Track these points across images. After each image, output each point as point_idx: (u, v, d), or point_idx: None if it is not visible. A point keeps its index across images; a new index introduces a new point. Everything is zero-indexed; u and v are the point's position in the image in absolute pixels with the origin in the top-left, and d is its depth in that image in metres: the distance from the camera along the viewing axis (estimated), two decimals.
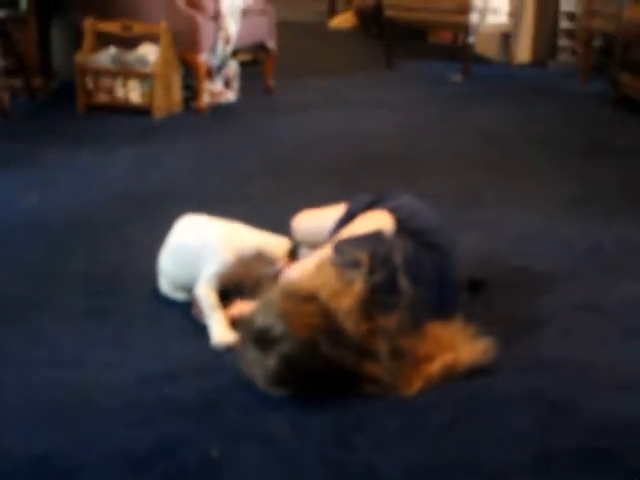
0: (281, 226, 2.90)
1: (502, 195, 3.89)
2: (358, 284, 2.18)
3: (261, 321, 2.17)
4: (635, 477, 1.84)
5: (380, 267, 2.23)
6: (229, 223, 2.80)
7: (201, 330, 2.54)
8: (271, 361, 2.12)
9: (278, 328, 2.12)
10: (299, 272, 2.45)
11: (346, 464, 1.91)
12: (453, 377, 2.21)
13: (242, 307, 2.60)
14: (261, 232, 2.79)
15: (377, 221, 2.49)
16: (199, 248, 2.69)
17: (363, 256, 2.24)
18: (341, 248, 2.35)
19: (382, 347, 2.16)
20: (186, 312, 2.66)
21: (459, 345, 2.26)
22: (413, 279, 2.27)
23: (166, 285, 2.80)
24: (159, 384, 2.25)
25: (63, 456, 1.94)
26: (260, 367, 2.15)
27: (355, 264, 2.24)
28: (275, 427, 2.05)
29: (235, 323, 2.51)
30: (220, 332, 2.50)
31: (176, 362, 2.38)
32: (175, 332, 2.58)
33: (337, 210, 2.73)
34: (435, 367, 2.20)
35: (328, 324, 2.12)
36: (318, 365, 2.11)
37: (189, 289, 2.70)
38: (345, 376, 2.13)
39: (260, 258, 2.69)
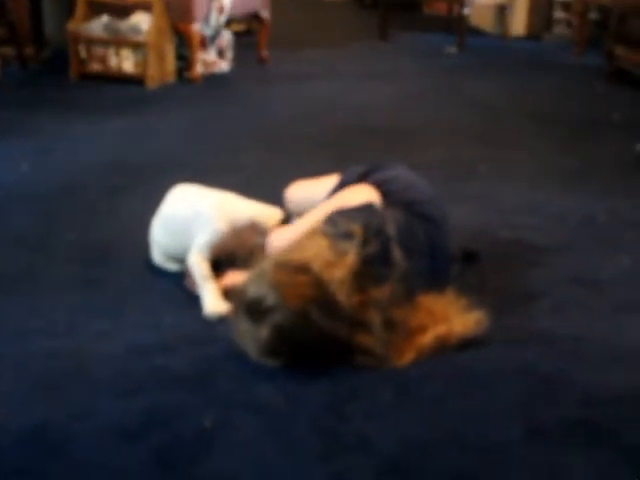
0: (274, 196, 2.89)
1: (496, 168, 3.88)
2: (351, 255, 2.18)
3: (253, 292, 2.16)
4: (626, 449, 1.85)
5: (373, 238, 2.23)
6: (221, 193, 2.79)
7: (193, 300, 2.54)
8: (263, 331, 2.12)
9: (270, 298, 2.12)
10: (286, 238, 2.45)
11: (339, 434, 1.91)
12: (446, 348, 2.21)
13: (234, 277, 2.60)
14: (253, 202, 2.78)
15: (361, 195, 2.49)
16: (191, 218, 2.68)
17: (356, 227, 2.24)
18: (333, 219, 2.34)
19: (374, 318, 2.16)
20: (178, 282, 2.66)
21: (452, 316, 2.26)
22: (406, 250, 2.27)
23: (158, 255, 2.79)
24: (151, 354, 2.25)
25: (55, 427, 1.93)
26: (252, 338, 2.15)
27: (348, 235, 2.23)
28: (268, 397, 2.05)
29: (227, 293, 2.51)
30: (212, 302, 2.49)
31: (168, 332, 2.38)
32: (167, 302, 2.57)
33: (330, 181, 2.72)
34: (427, 338, 2.20)
35: (320, 295, 2.12)
36: (310, 335, 2.11)
37: (181, 259, 2.69)
38: (337, 347, 2.13)
39: (252, 228, 2.68)
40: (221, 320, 2.43)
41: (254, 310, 2.14)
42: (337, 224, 2.29)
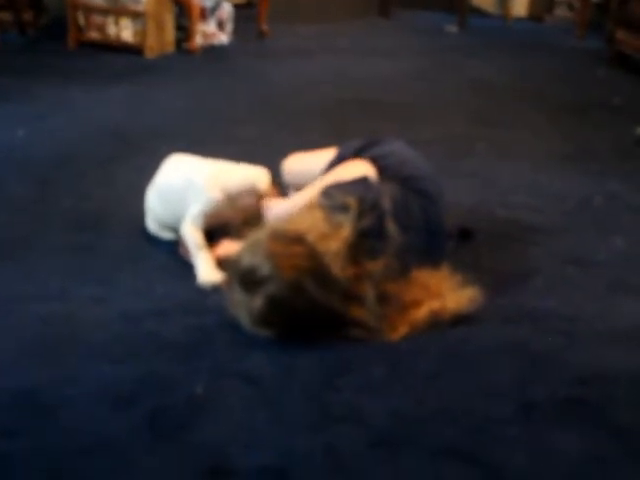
0: (271, 168, 2.88)
1: (494, 147, 3.88)
2: (346, 228, 2.17)
3: (248, 261, 2.16)
4: (616, 429, 1.86)
5: (368, 212, 2.23)
6: (215, 162, 2.78)
7: (188, 269, 2.53)
8: (257, 301, 2.11)
9: (265, 269, 2.11)
10: (283, 210, 2.44)
11: (330, 406, 1.91)
12: (439, 324, 2.21)
13: (228, 247, 2.59)
14: (243, 165, 2.76)
15: (357, 170, 2.48)
16: (185, 187, 2.67)
17: (351, 201, 2.23)
18: (329, 192, 2.33)
19: (368, 291, 2.15)
20: (173, 251, 2.65)
21: (446, 292, 2.25)
22: (401, 225, 2.27)
23: (153, 224, 2.78)
24: (144, 321, 2.25)
25: (47, 391, 1.94)
26: (246, 307, 2.15)
27: (343, 208, 2.23)
28: (260, 367, 2.05)
29: (221, 263, 2.51)
30: (206, 272, 2.49)
31: (162, 300, 2.37)
32: (161, 270, 2.57)
33: (327, 154, 2.71)
34: (421, 313, 2.20)
35: (315, 266, 2.11)
36: (303, 306, 2.11)
37: (175, 228, 2.68)
38: (330, 319, 2.13)
39: (247, 193, 2.67)
40: (215, 289, 2.43)
41: (248, 280, 2.14)
42: (333, 197, 2.28)
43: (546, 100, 4.85)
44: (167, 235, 2.75)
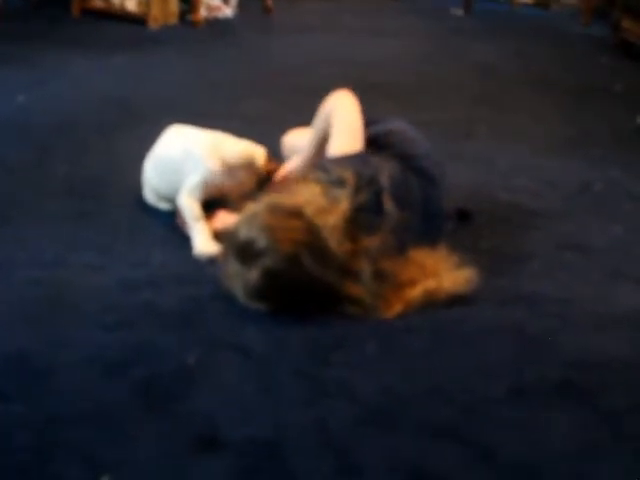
0: (271, 143, 2.88)
1: (495, 130, 3.86)
2: (344, 203, 2.16)
3: (244, 234, 2.14)
4: (606, 413, 1.86)
5: (365, 187, 2.22)
6: (214, 133, 2.77)
7: (184, 240, 2.53)
8: (253, 274, 2.10)
9: (261, 242, 2.10)
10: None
11: (321, 381, 1.91)
12: (434, 304, 2.20)
13: (225, 219, 2.58)
14: (243, 140, 2.75)
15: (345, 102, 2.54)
16: (183, 158, 2.65)
17: (348, 175, 2.22)
18: (325, 166, 2.32)
19: (365, 268, 2.15)
20: (170, 222, 2.64)
21: (442, 272, 2.25)
22: (399, 202, 2.26)
23: (150, 195, 2.77)
24: (139, 290, 2.25)
25: (38, 356, 1.94)
26: (241, 280, 2.14)
27: (340, 182, 2.22)
28: (252, 340, 2.05)
29: (218, 235, 2.50)
30: (202, 243, 2.48)
31: (157, 270, 2.37)
32: (158, 241, 2.56)
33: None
34: (417, 292, 2.20)
35: (312, 240, 2.10)
36: (300, 280, 2.10)
37: (173, 199, 2.67)
38: (326, 294, 2.13)
39: (244, 166, 2.66)
40: (211, 261, 2.42)
41: (244, 252, 2.13)
42: (329, 171, 2.27)
43: (549, 85, 4.83)
44: (164, 206, 2.74)
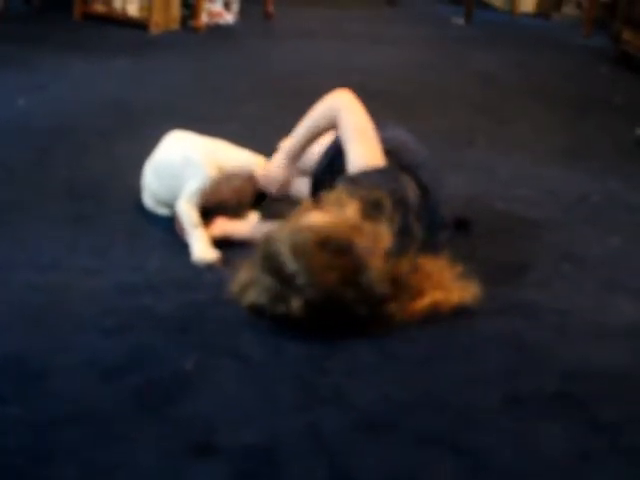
0: (269, 148, 2.88)
1: (495, 140, 3.87)
2: (387, 237, 2.13)
3: (290, 264, 2.07)
4: (600, 425, 1.87)
5: (398, 209, 2.20)
6: (214, 140, 2.77)
7: (183, 245, 2.53)
8: (295, 303, 2.06)
9: (307, 277, 2.05)
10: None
11: (317, 387, 1.92)
12: (436, 315, 2.21)
13: (223, 226, 2.59)
14: (244, 150, 2.76)
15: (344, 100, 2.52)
16: (183, 163, 2.65)
17: (385, 198, 2.20)
18: (357, 180, 2.30)
19: (400, 294, 2.15)
20: (169, 227, 2.64)
21: (449, 284, 2.24)
22: (418, 218, 2.27)
23: (149, 200, 2.78)
24: (137, 295, 2.25)
25: (36, 359, 1.94)
26: (272, 298, 2.10)
27: (376, 205, 2.19)
28: (250, 346, 2.06)
29: (216, 241, 2.51)
30: (201, 249, 2.48)
31: (155, 275, 2.37)
32: (156, 246, 2.56)
33: (325, 137, 2.70)
34: (424, 303, 2.20)
35: (358, 281, 2.08)
36: (340, 314, 2.09)
37: (171, 205, 2.67)
38: (358, 322, 2.12)
39: (242, 175, 2.67)
40: (209, 267, 2.42)
41: (286, 280, 2.08)
42: (363, 188, 2.24)
43: (549, 96, 4.84)
44: (163, 211, 2.74)
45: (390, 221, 2.17)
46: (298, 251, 2.08)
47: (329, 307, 2.07)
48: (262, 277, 2.12)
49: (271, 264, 2.11)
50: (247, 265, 2.19)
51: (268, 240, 2.16)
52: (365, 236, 2.12)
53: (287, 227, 2.18)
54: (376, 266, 2.10)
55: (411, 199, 2.30)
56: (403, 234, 2.20)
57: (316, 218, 2.19)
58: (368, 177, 2.32)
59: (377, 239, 2.13)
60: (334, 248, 2.09)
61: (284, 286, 2.08)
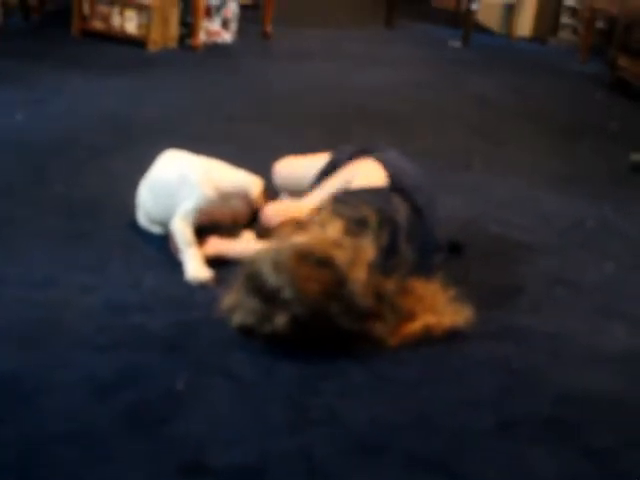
0: (263, 169, 2.89)
1: (489, 163, 3.88)
2: (369, 251, 2.15)
3: (271, 280, 2.10)
4: (592, 450, 1.87)
5: (385, 227, 2.21)
6: (209, 160, 2.78)
7: (177, 264, 2.53)
8: (280, 319, 2.08)
9: (289, 291, 2.07)
10: (292, 211, 2.45)
11: (309, 409, 1.91)
12: (425, 337, 2.21)
13: (217, 245, 2.59)
14: (239, 170, 2.76)
15: (369, 169, 2.48)
16: (179, 182, 2.65)
17: (370, 214, 2.21)
18: (345, 200, 2.32)
19: (386, 310, 2.16)
20: (163, 245, 2.64)
21: (442, 308, 2.25)
22: (409, 240, 2.27)
23: (143, 218, 2.77)
24: (130, 313, 2.25)
25: (28, 377, 1.94)
26: (260, 317, 2.11)
27: (362, 222, 2.20)
28: (242, 366, 2.05)
29: (209, 260, 2.51)
30: (194, 268, 2.48)
31: (149, 294, 2.37)
32: (150, 264, 2.56)
33: (320, 159, 2.71)
34: (416, 326, 2.20)
35: (340, 293, 2.09)
36: (325, 328, 2.09)
37: (165, 223, 2.67)
38: (344, 337, 2.12)
39: (238, 196, 2.67)
40: (202, 286, 2.42)
41: (269, 297, 2.10)
42: (350, 206, 2.26)
43: (544, 120, 4.86)
44: (157, 229, 2.74)
45: (375, 237, 2.18)
46: (279, 267, 2.10)
47: (314, 321, 2.08)
48: (246, 298, 2.14)
49: (254, 284, 2.13)
50: (233, 288, 2.20)
51: (250, 262, 2.19)
52: (345, 250, 2.13)
53: (268, 248, 2.22)
54: (358, 278, 2.10)
55: (401, 220, 2.29)
56: (390, 253, 2.21)
57: (297, 237, 2.21)
58: (357, 196, 2.34)
59: (358, 251, 2.14)
60: (314, 262, 2.11)
61: (269, 304, 2.09)
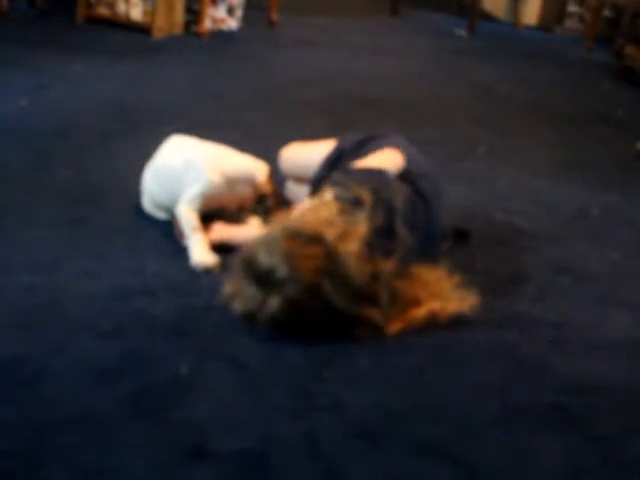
0: (268, 155, 2.88)
1: (494, 152, 3.87)
2: (362, 226, 2.14)
3: (265, 261, 2.10)
4: (596, 438, 1.87)
5: (381, 209, 2.21)
6: (215, 146, 2.77)
7: (181, 250, 2.52)
8: (273, 302, 2.08)
9: (282, 271, 2.07)
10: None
11: (313, 395, 1.91)
12: (430, 323, 2.21)
13: (222, 230, 2.58)
14: (244, 155, 2.76)
15: (390, 158, 2.47)
16: (184, 168, 2.65)
17: (366, 195, 2.20)
18: (344, 181, 2.31)
19: (382, 292, 2.14)
20: (168, 231, 2.64)
21: (446, 293, 2.24)
22: (408, 225, 2.26)
23: (148, 203, 2.77)
24: (134, 298, 2.25)
25: (31, 362, 1.93)
26: (256, 303, 2.11)
27: (357, 202, 2.20)
28: (246, 352, 2.05)
29: (215, 246, 2.51)
30: (199, 254, 2.48)
31: (153, 279, 2.37)
32: (155, 249, 2.56)
33: (326, 146, 2.70)
34: (421, 312, 2.20)
35: (332, 268, 2.08)
36: (320, 308, 2.08)
37: (170, 209, 2.67)
38: (341, 319, 2.11)
39: (244, 181, 2.67)
40: (207, 272, 2.42)
41: (264, 280, 2.09)
42: (346, 188, 2.25)
43: (550, 109, 4.85)
44: (162, 215, 2.73)
45: (369, 216, 2.17)
46: (271, 248, 2.11)
47: (308, 301, 2.07)
48: (245, 285, 2.14)
49: (249, 267, 2.13)
50: (232, 276, 2.20)
51: (245, 248, 2.19)
52: (336, 227, 2.13)
53: (261, 233, 2.23)
54: (349, 251, 2.10)
55: (398, 203, 2.28)
56: (386, 235, 2.20)
57: (289, 219, 2.22)
58: (357, 174, 2.34)
59: (350, 227, 2.14)
60: (304, 239, 2.11)
61: (265, 287, 2.09)
